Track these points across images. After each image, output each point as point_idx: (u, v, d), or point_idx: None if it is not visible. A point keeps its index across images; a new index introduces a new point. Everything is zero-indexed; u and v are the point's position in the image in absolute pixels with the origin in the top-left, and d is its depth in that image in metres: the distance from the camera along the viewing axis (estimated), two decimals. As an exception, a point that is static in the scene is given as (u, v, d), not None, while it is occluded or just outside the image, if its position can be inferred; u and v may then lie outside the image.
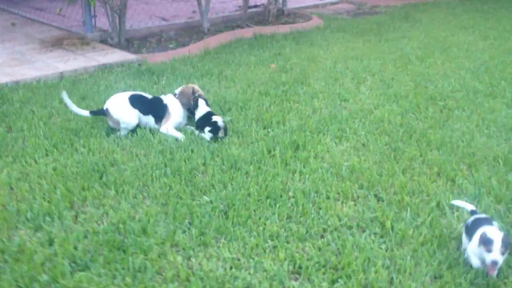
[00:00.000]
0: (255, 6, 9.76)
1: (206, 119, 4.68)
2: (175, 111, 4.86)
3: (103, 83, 5.94)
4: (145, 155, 4.37)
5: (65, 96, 4.66)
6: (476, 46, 7.78)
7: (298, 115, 5.20)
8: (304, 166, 4.22)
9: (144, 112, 4.78)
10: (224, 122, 4.67)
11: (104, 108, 4.71)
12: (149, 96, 4.92)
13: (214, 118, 4.65)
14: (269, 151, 4.45)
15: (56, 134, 4.59)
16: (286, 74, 6.41)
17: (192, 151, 4.42)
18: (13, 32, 7.89)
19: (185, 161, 4.24)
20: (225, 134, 4.64)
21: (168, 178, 4.00)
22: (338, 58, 7.09)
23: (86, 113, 4.72)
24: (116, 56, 6.81)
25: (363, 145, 4.62)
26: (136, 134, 4.70)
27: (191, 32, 8.69)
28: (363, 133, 4.80)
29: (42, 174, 4.01)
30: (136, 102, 4.75)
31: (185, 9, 9.87)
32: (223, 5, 10.02)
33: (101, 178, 3.99)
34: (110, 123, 4.72)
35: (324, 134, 4.79)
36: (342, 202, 3.79)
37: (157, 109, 4.82)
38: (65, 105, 4.73)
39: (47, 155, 4.31)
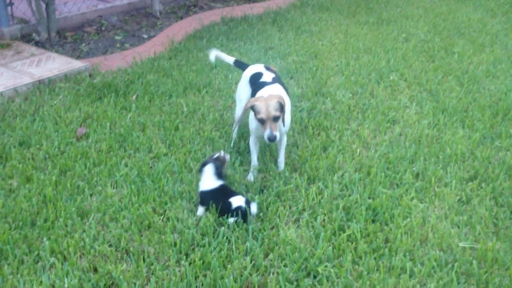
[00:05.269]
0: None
1: (222, 200, 3.00)
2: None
3: (49, 116, 4.04)
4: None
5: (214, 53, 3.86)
6: (491, 25, 6.61)
7: (346, 152, 3.73)
8: (408, 258, 2.80)
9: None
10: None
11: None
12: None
13: (235, 201, 2.96)
14: (342, 229, 2.98)
15: None
16: (296, 81, 4.86)
17: (227, 238, 2.85)
18: None
19: (224, 267, 2.68)
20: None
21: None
22: (345, 52, 5.61)
23: (231, 60, 3.85)
24: (54, 64, 4.86)
25: (462, 202, 3.27)
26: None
27: (139, 16, 6.82)
28: (453, 181, 3.42)
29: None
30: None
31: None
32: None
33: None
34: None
35: (401, 188, 3.36)
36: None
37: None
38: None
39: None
